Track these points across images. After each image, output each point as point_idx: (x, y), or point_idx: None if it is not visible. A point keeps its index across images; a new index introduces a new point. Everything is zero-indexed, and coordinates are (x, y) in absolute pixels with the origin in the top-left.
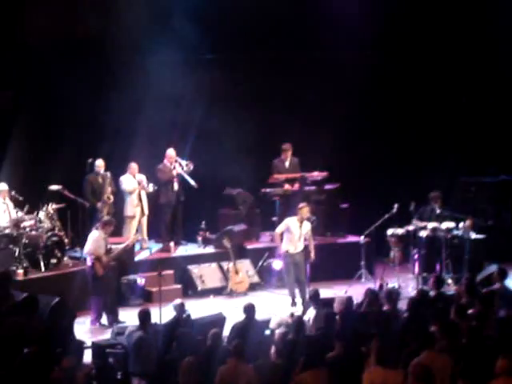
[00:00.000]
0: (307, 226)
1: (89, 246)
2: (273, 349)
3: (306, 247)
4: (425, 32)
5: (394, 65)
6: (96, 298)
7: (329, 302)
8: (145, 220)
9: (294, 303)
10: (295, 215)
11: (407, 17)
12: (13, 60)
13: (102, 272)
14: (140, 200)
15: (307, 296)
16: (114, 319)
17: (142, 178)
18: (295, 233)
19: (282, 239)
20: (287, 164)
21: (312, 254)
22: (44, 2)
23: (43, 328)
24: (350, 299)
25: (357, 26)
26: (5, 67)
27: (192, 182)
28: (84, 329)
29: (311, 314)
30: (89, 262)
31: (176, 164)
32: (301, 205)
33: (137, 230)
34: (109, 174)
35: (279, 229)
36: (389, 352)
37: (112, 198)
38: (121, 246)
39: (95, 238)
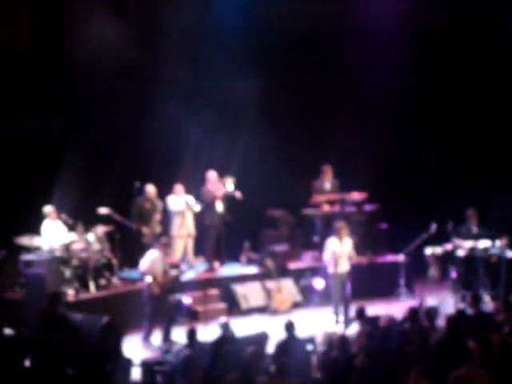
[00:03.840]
0: (348, 243)
1: (145, 264)
2: (316, 365)
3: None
4: (459, 53)
5: (432, 85)
6: (150, 317)
7: (373, 319)
8: (191, 241)
9: (337, 321)
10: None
11: (444, 42)
12: (62, 88)
13: (158, 292)
14: (186, 221)
15: (351, 313)
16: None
17: (189, 198)
18: (339, 252)
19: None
20: (327, 185)
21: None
22: (92, 32)
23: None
24: (392, 317)
25: (395, 51)
26: (54, 95)
27: (238, 195)
28: (134, 347)
29: (354, 330)
30: (145, 281)
31: (220, 185)
32: (338, 224)
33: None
34: (160, 203)
35: (327, 256)
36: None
37: (158, 228)
38: (175, 273)
39: (153, 257)
